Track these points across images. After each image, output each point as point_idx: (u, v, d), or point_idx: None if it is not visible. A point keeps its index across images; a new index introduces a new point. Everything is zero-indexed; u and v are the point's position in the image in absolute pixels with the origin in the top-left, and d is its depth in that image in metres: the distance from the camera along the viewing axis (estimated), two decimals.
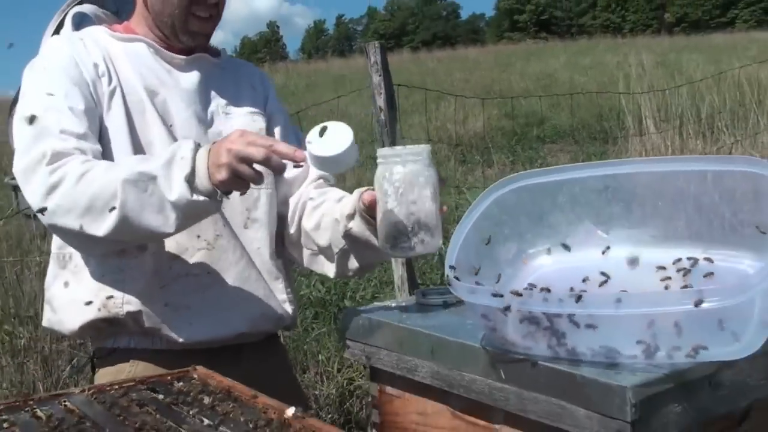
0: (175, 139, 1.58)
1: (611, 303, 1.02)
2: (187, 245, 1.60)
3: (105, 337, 1.60)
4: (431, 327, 1.30)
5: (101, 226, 1.39)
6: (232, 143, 1.35)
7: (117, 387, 1.22)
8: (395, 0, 79.34)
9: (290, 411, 1.07)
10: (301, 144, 1.51)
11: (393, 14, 76.97)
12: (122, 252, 1.53)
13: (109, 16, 1.78)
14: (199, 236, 1.60)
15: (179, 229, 1.42)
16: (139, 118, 1.58)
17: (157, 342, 1.56)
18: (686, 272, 1.19)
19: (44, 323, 1.66)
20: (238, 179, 1.37)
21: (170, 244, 1.58)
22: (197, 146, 1.40)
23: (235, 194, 1.48)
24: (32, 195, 1.43)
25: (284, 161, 1.36)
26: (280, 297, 1.71)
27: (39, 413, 1.12)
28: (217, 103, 1.70)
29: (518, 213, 1.30)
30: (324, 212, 1.68)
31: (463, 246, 1.22)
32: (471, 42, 51.77)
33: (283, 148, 1.35)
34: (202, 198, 1.38)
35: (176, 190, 1.37)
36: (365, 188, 1.56)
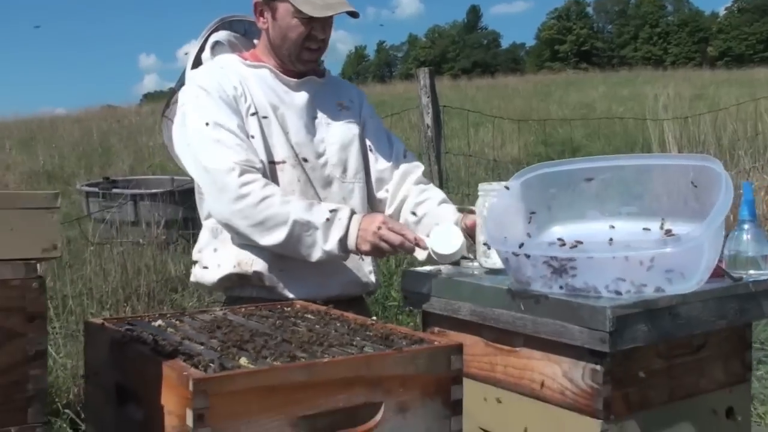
0: (291, 145, 2.06)
1: (603, 247, 1.48)
2: None
3: (234, 288, 2.09)
4: (469, 277, 1.76)
5: (265, 239, 1.93)
6: (379, 227, 1.89)
7: (244, 308, 1.69)
8: (436, 27, 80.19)
9: (371, 319, 1.53)
10: (393, 143, 2.22)
11: (434, 41, 77.68)
12: None
13: (239, 39, 2.25)
14: None
15: (319, 262, 1.96)
16: (266, 128, 2.06)
17: (273, 295, 2.03)
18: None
19: (192, 278, 2.17)
20: (377, 252, 1.92)
21: None
22: (352, 213, 1.94)
23: (335, 186, 2.10)
24: (221, 196, 1.93)
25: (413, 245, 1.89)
26: (367, 269, 2.17)
27: (198, 317, 1.58)
28: (322, 115, 2.16)
29: (532, 195, 1.76)
30: (427, 211, 2.17)
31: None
32: (511, 71, 52.14)
33: (411, 236, 1.88)
34: (342, 254, 1.94)
35: (330, 244, 1.92)
36: (467, 210, 2.05)
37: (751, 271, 1.68)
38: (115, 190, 7.37)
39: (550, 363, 1.57)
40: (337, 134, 2.15)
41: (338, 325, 1.53)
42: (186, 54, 2.28)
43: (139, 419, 1.27)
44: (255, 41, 2.26)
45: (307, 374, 1.17)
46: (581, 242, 1.52)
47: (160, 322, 1.53)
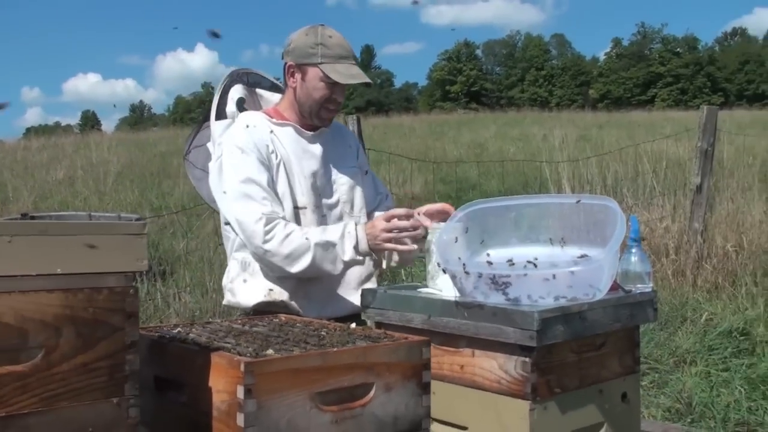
0: (312, 190, 2.48)
1: (528, 268, 1.93)
2: None
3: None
4: (420, 293, 2.17)
5: (295, 267, 2.34)
6: (384, 228, 2.36)
7: (240, 320, 2.06)
8: None
9: (353, 325, 1.92)
10: (377, 182, 2.74)
11: None
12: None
13: (248, 90, 2.62)
14: None
15: (341, 272, 2.41)
16: (291, 177, 2.45)
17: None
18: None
19: (225, 302, 2.58)
20: (391, 244, 2.37)
21: None
22: (356, 224, 2.40)
23: (345, 219, 2.54)
24: (252, 241, 2.33)
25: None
26: None
27: (206, 326, 1.94)
28: (333, 160, 2.57)
29: (472, 226, 2.20)
30: None
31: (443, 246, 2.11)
32: (404, 110, 53.44)
33: (417, 223, 2.37)
34: (360, 257, 2.38)
35: (347, 254, 2.36)
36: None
37: (639, 285, 2.16)
38: None
39: (488, 359, 1.99)
40: (346, 176, 2.58)
41: (326, 330, 1.91)
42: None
43: (183, 401, 1.62)
44: (257, 90, 2.65)
45: (322, 360, 1.55)
46: (513, 262, 1.97)
47: (179, 329, 1.88)
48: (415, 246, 2.39)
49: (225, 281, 2.55)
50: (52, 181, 14.71)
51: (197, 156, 2.65)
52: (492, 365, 1.98)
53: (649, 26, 75.73)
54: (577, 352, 2.03)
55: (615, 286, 2.13)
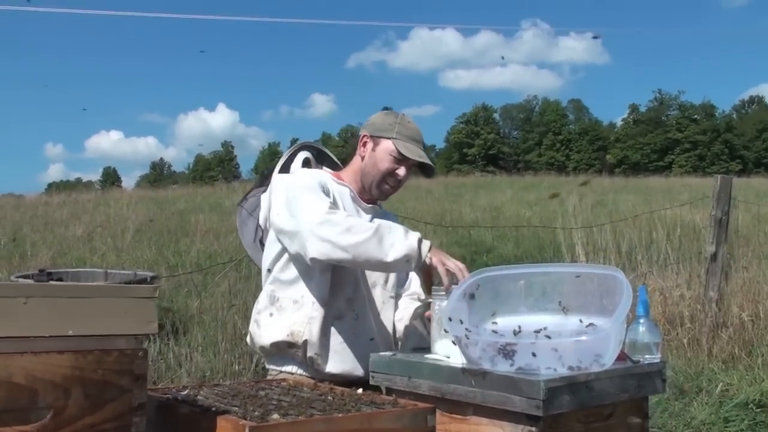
0: None
1: (535, 336, 1.94)
2: (345, 313, 2.52)
3: (279, 360, 2.51)
4: (427, 360, 2.18)
5: (348, 239, 2.25)
6: (446, 256, 2.33)
7: (248, 382, 2.07)
8: (349, 127, 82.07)
9: (359, 390, 1.93)
10: None
11: (346, 141, 79.33)
12: (305, 306, 2.46)
13: (312, 159, 2.71)
14: (354, 310, 2.53)
15: (392, 264, 2.29)
16: None
17: (310, 371, 2.45)
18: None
19: (248, 338, 2.61)
20: (438, 265, 2.29)
21: (335, 311, 2.50)
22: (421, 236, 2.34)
23: (377, 290, 2.57)
24: (315, 211, 2.32)
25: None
26: None
27: (214, 388, 1.95)
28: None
29: (481, 292, 2.22)
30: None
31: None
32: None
33: (463, 275, 2.29)
34: (414, 256, 2.27)
35: (410, 240, 2.28)
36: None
37: (647, 356, 2.16)
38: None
39: (495, 427, 1.98)
40: None
41: (332, 395, 1.92)
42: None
43: None
44: (322, 166, 2.73)
45: (327, 426, 1.56)
46: (520, 331, 1.99)
47: (187, 391, 1.90)
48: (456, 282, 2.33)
49: (254, 313, 2.59)
50: (71, 237, 14.86)
51: (251, 204, 2.74)
52: None
53: (666, 93, 76.20)
54: (584, 422, 2.02)
55: (623, 356, 2.13)
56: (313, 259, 2.33)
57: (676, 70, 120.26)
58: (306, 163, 2.66)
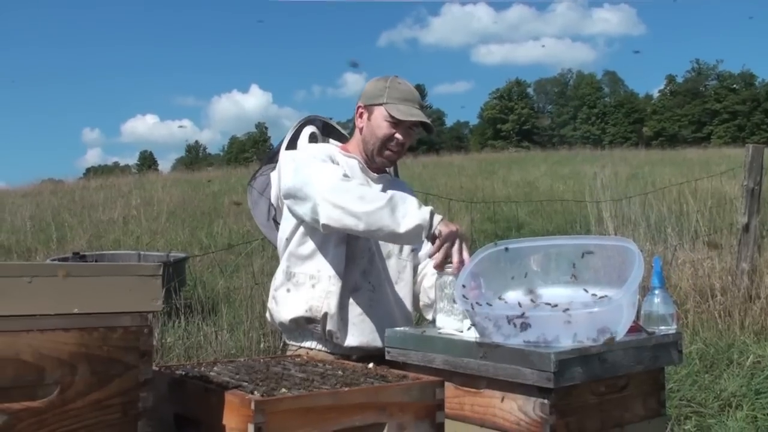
0: None
1: (548, 309, 1.93)
2: (361, 285, 2.54)
3: (299, 336, 2.53)
4: (442, 335, 2.19)
5: (362, 207, 2.24)
6: (456, 230, 2.28)
7: (261, 358, 2.09)
8: None
9: (371, 365, 1.95)
10: None
11: None
12: (322, 281, 2.47)
13: (330, 143, 2.71)
14: (369, 282, 2.54)
15: (404, 234, 2.25)
16: None
17: (328, 345, 2.48)
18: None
19: (267, 315, 2.63)
20: (447, 239, 2.25)
21: (351, 284, 2.51)
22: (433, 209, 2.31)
23: (393, 260, 2.57)
24: (329, 178, 2.32)
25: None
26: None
27: (227, 365, 1.98)
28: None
29: (492, 268, 2.22)
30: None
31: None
32: (455, 149, 53.52)
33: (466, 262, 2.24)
34: (428, 224, 2.24)
35: (423, 212, 2.25)
36: None
37: (662, 327, 2.14)
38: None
39: (508, 400, 1.99)
40: None
41: (343, 369, 1.94)
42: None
43: None
44: (329, 138, 2.75)
45: (333, 399, 1.58)
46: (536, 303, 1.99)
47: (202, 368, 1.93)
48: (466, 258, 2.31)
49: (271, 290, 2.60)
50: (107, 220, 15.09)
51: (260, 183, 2.74)
52: (512, 407, 1.98)
53: (704, 63, 74.84)
54: (598, 394, 2.02)
55: (637, 328, 2.12)
56: (325, 226, 2.32)
57: (714, 40, 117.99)
58: (312, 138, 2.66)
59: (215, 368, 1.94)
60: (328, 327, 2.47)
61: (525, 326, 1.97)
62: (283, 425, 1.50)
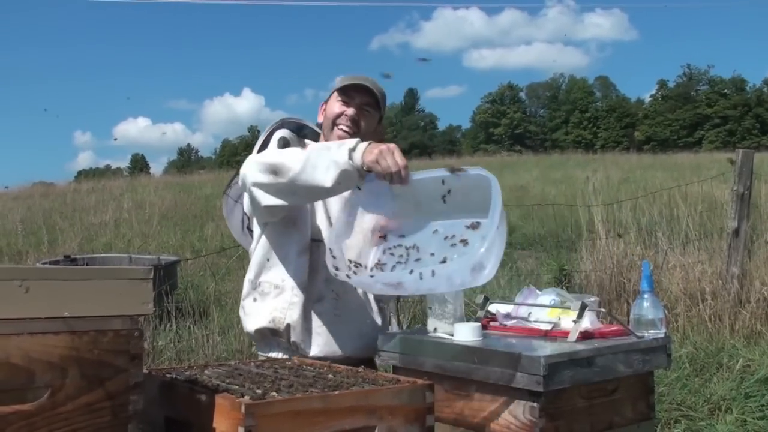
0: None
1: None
2: (325, 295, 2.48)
3: (265, 345, 2.50)
4: (431, 338, 2.19)
5: (285, 177, 2.18)
6: (383, 148, 2.13)
7: (252, 362, 2.10)
8: None
9: (361, 368, 1.95)
10: None
11: None
12: (285, 291, 2.44)
13: (292, 137, 2.60)
14: (333, 290, 2.48)
15: (334, 187, 2.15)
16: (314, 212, 2.49)
17: (295, 355, 2.39)
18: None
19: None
20: (376, 165, 2.11)
21: (315, 294, 2.47)
22: (359, 139, 2.19)
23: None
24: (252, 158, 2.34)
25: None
26: (375, 336, 2.44)
27: (217, 369, 1.98)
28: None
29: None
30: None
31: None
32: (448, 152, 53.67)
33: (407, 173, 2.17)
34: (352, 165, 2.11)
35: (340, 154, 2.12)
36: None
37: (651, 331, 2.15)
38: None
39: (498, 403, 2.00)
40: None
41: (333, 373, 1.94)
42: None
43: None
44: (305, 140, 2.66)
45: (323, 403, 1.58)
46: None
47: (192, 371, 1.93)
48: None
49: (241, 299, 2.58)
50: (98, 224, 15.04)
51: (236, 191, 2.71)
52: (501, 410, 1.99)
53: (695, 68, 75.19)
54: (588, 398, 2.03)
55: (626, 332, 2.14)
56: (267, 208, 2.31)
57: (705, 45, 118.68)
58: (284, 143, 2.55)
59: (206, 371, 1.95)
60: (292, 338, 2.43)
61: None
62: (273, 428, 1.50)
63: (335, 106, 2.53)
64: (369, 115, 2.55)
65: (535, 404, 1.91)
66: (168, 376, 1.85)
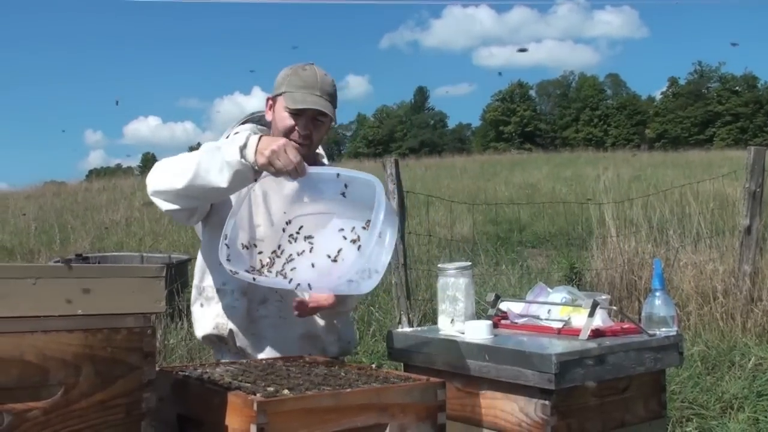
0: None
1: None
2: (269, 297, 2.40)
3: (217, 353, 2.46)
4: (442, 336, 2.20)
5: (181, 180, 2.14)
6: (280, 146, 2.08)
7: (263, 361, 2.10)
8: (384, 107, 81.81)
9: (374, 365, 1.96)
10: None
11: (382, 121, 78.87)
12: (226, 296, 2.38)
13: (263, 131, 2.47)
14: (277, 291, 2.38)
15: (230, 187, 2.12)
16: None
17: (244, 357, 2.35)
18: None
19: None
20: (270, 167, 2.08)
21: (259, 296, 2.39)
22: (251, 133, 2.13)
23: None
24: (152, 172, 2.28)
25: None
26: (330, 338, 2.47)
27: (228, 366, 1.99)
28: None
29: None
30: None
31: None
32: (457, 150, 53.58)
33: (302, 168, 2.11)
34: (244, 164, 2.07)
35: (231, 154, 2.07)
36: None
37: (663, 329, 2.15)
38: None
39: (509, 401, 2.00)
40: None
41: (345, 370, 1.95)
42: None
43: None
44: None
45: (335, 400, 1.59)
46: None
47: (204, 368, 1.94)
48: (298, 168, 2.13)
49: (191, 304, 2.51)
50: (109, 222, 15.12)
51: None
52: (513, 408, 1.99)
53: (706, 65, 74.71)
54: (599, 396, 2.03)
55: (638, 330, 2.13)
56: (172, 213, 2.28)
57: (717, 42, 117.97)
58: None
59: (218, 369, 1.95)
60: (237, 343, 2.38)
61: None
62: (285, 426, 1.51)
63: (285, 117, 2.35)
64: (321, 125, 2.40)
65: (546, 402, 1.90)
66: (180, 373, 1.85)
